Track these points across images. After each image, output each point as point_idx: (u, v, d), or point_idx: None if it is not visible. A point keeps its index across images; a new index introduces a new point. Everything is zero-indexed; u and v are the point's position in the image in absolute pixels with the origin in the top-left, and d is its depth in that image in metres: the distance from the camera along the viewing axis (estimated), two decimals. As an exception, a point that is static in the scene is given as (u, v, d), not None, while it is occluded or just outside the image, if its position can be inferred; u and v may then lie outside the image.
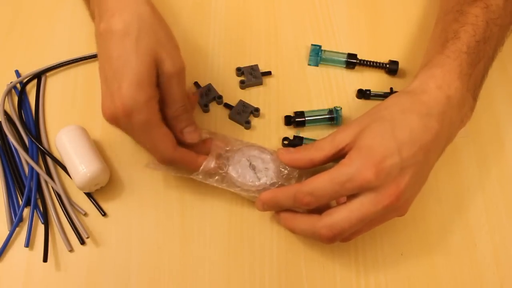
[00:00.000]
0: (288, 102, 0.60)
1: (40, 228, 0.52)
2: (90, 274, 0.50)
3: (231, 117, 0.59)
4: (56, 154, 0.55)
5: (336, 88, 0.62)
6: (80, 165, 0.51)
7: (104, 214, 0.53)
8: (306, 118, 0.58)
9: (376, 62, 0.62)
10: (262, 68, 0.62)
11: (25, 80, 0.60)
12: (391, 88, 0.60)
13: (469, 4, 0.53)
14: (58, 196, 0.53)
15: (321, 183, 0.44)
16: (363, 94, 0.60)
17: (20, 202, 0.53)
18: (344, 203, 0.44)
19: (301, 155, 0.48)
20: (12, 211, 0.53)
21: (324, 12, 0.67)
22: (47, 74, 0.61)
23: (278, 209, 0.49)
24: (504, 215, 0.54)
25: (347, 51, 0.63)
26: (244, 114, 0.58)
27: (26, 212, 0.53)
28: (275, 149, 0.52)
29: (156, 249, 0.52)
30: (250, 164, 0.51)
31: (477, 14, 0.52)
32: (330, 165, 0.46)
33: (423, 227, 0.53)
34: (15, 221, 0.52)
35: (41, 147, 0.56)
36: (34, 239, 0.52)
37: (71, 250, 0.51)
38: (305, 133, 0.58)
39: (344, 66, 0.63)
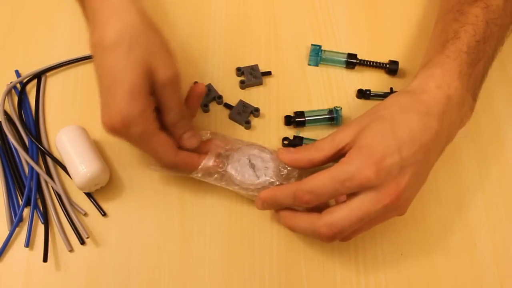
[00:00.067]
0: (288, 102, 0.60)
1: (40, 228, 0.52)
2: (90, 274, 0.50)
3: (231, 117, 0.59)
4: (56, 154, 0.55)
5: (336, 88, 0.62)
6: (80, 165, 0.51)
7: (104, 214, 0.53)
8: (306, 118, 0.58)
9: (376, 62, 0.62)
10: (262, 68, 0.62)
11: (25, 80, 0.60)
12: (391, 88, 0.61)
13: (469, 4, 0.53)
14: (58, 196, 0.53)
15: (321, 181, 0.44)
16: (363, 94, 0.60)
17: (20, 202, 0.53)
18: (344, 202, 0.44)
19: (301, 155, 0.48)
20: (12, 211, 0.53)
21: (324, 12, 0.67)
22: (47, 74, 0.61)
23: (278, 208, 0.49)
24: (504, 215, 0.54)
25: (347, 51, 0.63)
26: (244, 114, 0.59)
27: (26, 212, 0.53)
28: (275, 148, 0.52)
29: (156, 249, 0.52)
30: (250, 162, 0.51)
31: (477, 14, 0.52)
32: (330, 165, 0.46)
33: (423, 227, 0.53)
34: (15, 221, 0.52)
35: (41, 147, 0.56)
36: (34, 239, 0.52)
37: (71, 250, 0.51)
38: (305, 133, 0.58)
39: (344, 66, 0.63)
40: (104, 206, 0.53)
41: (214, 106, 0.60)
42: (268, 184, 0.50)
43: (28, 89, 0.60)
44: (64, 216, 0.52)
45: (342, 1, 0.68)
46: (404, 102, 0.47)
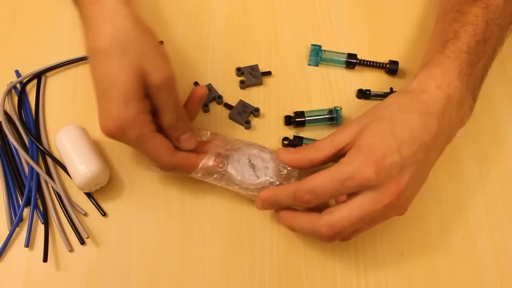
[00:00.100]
0: (288, 102, 0.60)
1: (40, 228, 0.52)
2: (90, 274, 0.50)
3: (231, 117, 0.59)
4: (56, 154, 0.55)
5: (336, 88, 0.62)
6: (80, 165, 0.51)
7: (104, 214, 0.53)
8: (306, 118, 0.58)
9: (376, 62, 0.62)
10: (262, 68, 0.62)
11: (25, 80, 0.60)
12: (391, 88, 0.61)
13: (469, 4, 0.53)
14: (58, 196, 0.53)
15: (321, 181, 0.44)
16: (363, 94, 0.60)
17: (20, 202, 0.53)
18: (344, 202, 0.44)
19: (301, 155, 0.48)
20: (12, 211, 0.53)
21: (324, 12, 0.67)
22: (47, 74, 0.61)
23: (278, 208, 0.49)
24: (504, 215, 0.54)
25: (347, 51, 0.63)
26: (244, 114, 0.59)
27: (26, 212, 0.53)
28: (275, 148, 0.52)
29: (156, 249, 0.52)
30: (250, 162, 0.51)
31: (477, 14, 0.52)
32: (330, 165, 0.46)
33: (423, 227, 0.53)
34: (15, 221, 0.52)
35: (41, 147, 0.56)
36: (34, 239, 0.52)
37: (71, 250, 0.51)
38: (305, 133, 0.58)
39: (344, 66, 0.63)
40: (104, 206, 0.53)
41: (214, 106, 0.60)
42: (268, 184, 0.50)
43: (28, 89, 0.60)
44: (64, 216, 0.52)
45: (342, 1, 0.68)
46: (404, 102, 0.47)
